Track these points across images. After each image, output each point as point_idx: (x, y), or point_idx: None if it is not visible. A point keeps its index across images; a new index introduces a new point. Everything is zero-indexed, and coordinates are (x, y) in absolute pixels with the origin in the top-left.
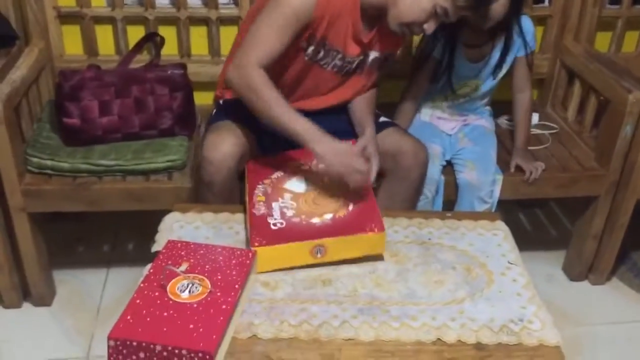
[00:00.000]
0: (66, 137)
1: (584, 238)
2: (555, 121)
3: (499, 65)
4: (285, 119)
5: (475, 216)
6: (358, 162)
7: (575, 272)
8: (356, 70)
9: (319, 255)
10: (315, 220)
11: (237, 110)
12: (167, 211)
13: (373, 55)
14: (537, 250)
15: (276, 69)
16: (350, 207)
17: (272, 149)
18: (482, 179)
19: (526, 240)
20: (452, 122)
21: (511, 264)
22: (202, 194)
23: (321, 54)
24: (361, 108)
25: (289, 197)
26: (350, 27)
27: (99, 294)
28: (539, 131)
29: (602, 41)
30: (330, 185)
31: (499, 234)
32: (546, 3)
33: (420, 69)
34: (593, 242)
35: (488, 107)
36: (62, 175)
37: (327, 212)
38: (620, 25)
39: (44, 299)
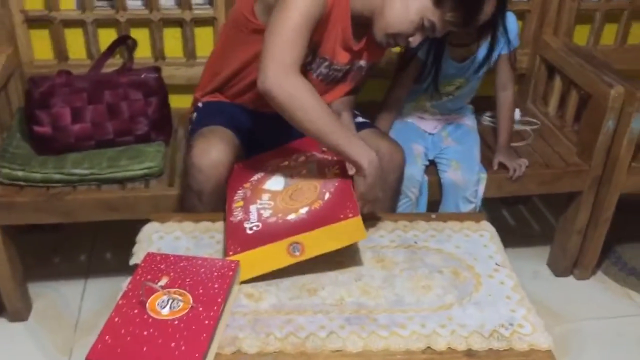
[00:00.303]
0: (37, 146)
1: (568, 233)
2: (536, 116)
3: (483, 64)
4: (330, 128)
5: (461, 217)
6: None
7: (561, 267)
8: (342, 79)
9: (297, 253)
10: (291, 216)
11: (220, 112)
12: (145, 220)
13: (361, 63)
14: (522, 246)
15: (256, 68)
16: (326, 197)
17: (258, 150)
18: (467, 178)
19: (510, 237)
20: (435, 122)
21: (498, 265)
22: (189, 202)
23: (309, 58)
24: (339, 110)
25: (267, 197)
26: (340, 34)
27: (77, 307)
28: (520, 127)
29: (581, 34)
30: (307, 176)
31: (485, 235)
32: None
33: (404, 69)
34: (577, 238)
35: (470, 105)
36: (35, 186)
37: (303, 205)
38: (599, 18)
39: (20, 314)
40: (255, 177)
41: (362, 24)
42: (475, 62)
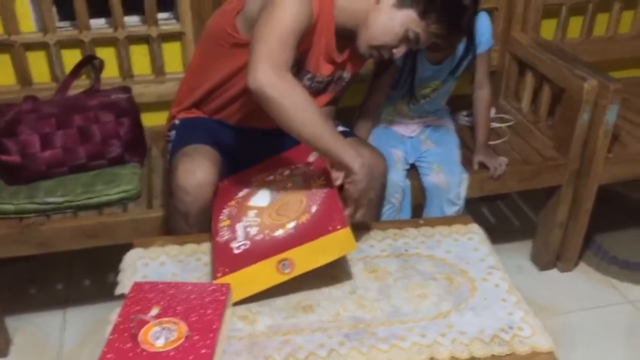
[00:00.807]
0: (7, 176)
1: (549, 227)
2: (509, 113)
3: (459, 65)
4: (322, 129)
5: (449, 221)
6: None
7: (544, 261)
8: (322, 91)
9: (287, 270)
10: (279, 232)
11: (200, 129)
12: (124, 245)
13: (343, 75)
14: (503, 242)
15: (238, 81)
16: (313, 210)
17: (239, 166)
18: (449, 181)
19: (491, 234)
20: (413, 125)
21: (492, 268)
22: (175, 224)
23: (293, 69)
24: None
25: (254, 214)
26: (323, 46)
27: (58, 338)
28: (496, 124)
29: (548, 29)
30: (293, 189)
31: (475, 238)
32: None
33: (381, 76)
34: (559, 231)
35: (447, 107)
36: (7, 217)
37: (290, 220)
38: (565, 12)
39: (0, 350)
40: (240, 194)
41: (345, 36)
42: (451, 64)
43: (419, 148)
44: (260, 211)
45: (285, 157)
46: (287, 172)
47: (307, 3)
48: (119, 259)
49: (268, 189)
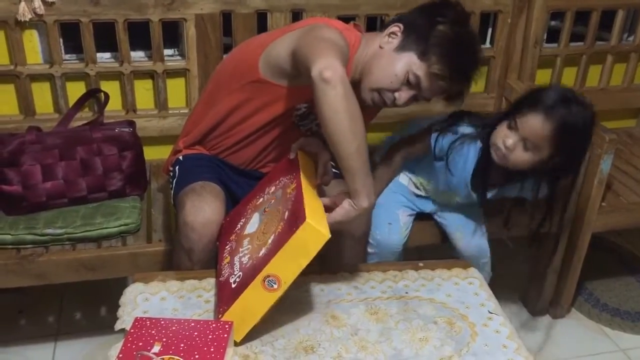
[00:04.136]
0: (6, 206)
1: (543, 274)
2: None
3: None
4: (364, 148)
5: (448, 265)
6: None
7: (537, 307)
8: None
9: (274, 286)
10: (262, 251)
11: (203, 165)
12: (116, 278)
13: None
14: (496, 287)
15: (254, 120)
16: (286, 216)
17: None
18: (476, 244)
19: None
20: (432, 203)
21: (492, 313)
22: (178, 260)
23: (303, 110)
24: None
25: (247, 242)
26: None
27: None
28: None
29: (543, 78)
30: (275, 204)
31: (475, 282)
32: (488, 44)
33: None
34: (553, 277)
35: None
36: (4, 248)
37: (270, 235)
38: (559, 62)
39: None
40: (238, 226)
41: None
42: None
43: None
44: (251, 238)
45: (270, 174)
46: (272, 189)
47: (347, 45)
48: (110, 292)
49: (258, 212)
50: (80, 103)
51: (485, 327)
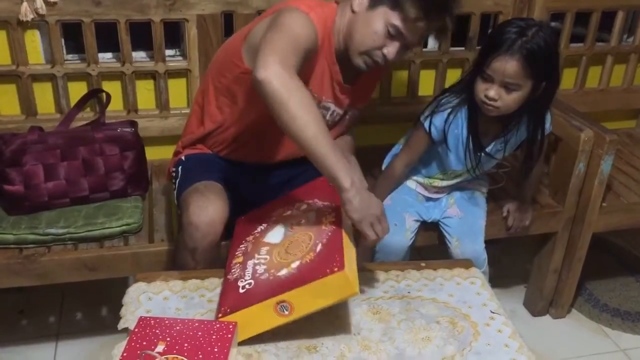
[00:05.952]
0: (9, 205)
1: (543, 273)
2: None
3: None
4: (323, 135)
5: (450, 264)
6: (381, 215)
7: (537, 307)
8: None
9: (285, 312)
10: (283, 272)
11: (206, 165)
12: (117, 278)
13: (350, 109)
14: (496, 287)
15: (250, 113)
16: (318, 249)
17: (245, 202)
18: (471, 249)
19: None
20: (442, 194)
21: (494, 313)
22: (181, 259)
23: None
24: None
25: (265, 251)
26: (327, 71)
27: None
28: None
29: None
30: (305, 225)
31: (477, 282)
32: None
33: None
34: (553, 277)
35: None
36: (7, 247)
37: (295, 259)
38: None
39: None
40: (258, 229)
41: (349, 65)
42: (514, 144)
43: (444, 210)
44: (271, 248)
45: (304, 190)
46: (304, 206)
47: (312, 26)
48: (111, 292)
49: (283, 225)
50: (82, 103)
51: (487, 326)
